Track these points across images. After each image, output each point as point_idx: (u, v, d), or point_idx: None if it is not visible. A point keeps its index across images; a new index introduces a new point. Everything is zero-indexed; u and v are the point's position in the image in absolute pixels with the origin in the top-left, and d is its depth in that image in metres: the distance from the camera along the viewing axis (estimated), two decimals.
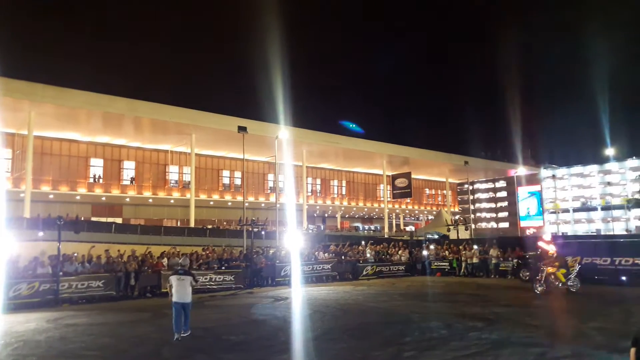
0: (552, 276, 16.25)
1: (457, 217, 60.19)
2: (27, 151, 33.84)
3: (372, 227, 66.00)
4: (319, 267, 23.20)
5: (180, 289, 9.77)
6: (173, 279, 9.95)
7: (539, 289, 16.26)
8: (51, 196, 38.07)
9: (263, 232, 31.61)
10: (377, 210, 63.52)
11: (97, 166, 41.61)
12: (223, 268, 20.19)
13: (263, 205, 49.95)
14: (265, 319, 12.36)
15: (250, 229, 23.59)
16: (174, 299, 9.75)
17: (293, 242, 22.17)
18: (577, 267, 17.15)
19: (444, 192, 70.09)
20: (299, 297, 16.84)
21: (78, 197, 40.13)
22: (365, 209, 63.35)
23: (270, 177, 51.96)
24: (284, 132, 35.33)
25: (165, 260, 19.06)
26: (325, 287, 20.50)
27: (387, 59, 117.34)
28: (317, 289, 19.31)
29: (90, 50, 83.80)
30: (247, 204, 45.21)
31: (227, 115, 39.17)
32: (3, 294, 13.73)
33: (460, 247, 26.35)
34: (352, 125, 46.14)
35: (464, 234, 42.14)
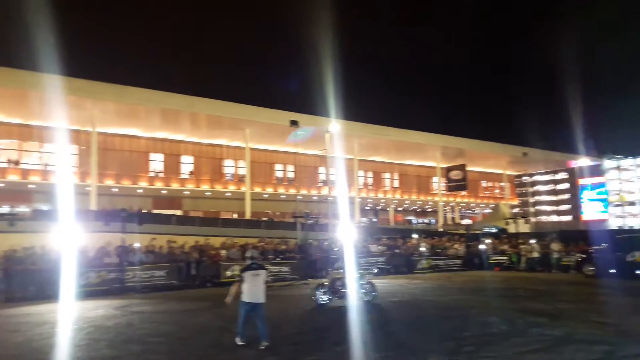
0: (339, 282, 13.10)
1: (516, 210, 58.34)
2: (91, 147, 35.67)
3: (426, 221, 65.06)
4: (373, 260, 23.15)
5: (253, 287, 8.38)
6: (247, 275, 8.44)
7: (322, 298, 12.90)
8: (115, 190, 39.80)
9: (316, 225, 31.87)
10: (431, 203, 62.49)
11: (157, 161, 43.16)
12: (278, 259, 20.53)
13: (315, 198, 50.26)
14: (321, 310, 12.47)
15: (304, 222, 23.81)
16: (246, 298, 8.34)
17: (346, 235, 22.21)
18: (374, 271, 14.73)
19: (502, 184, 68.03)
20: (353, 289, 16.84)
21: (140, 191, 41.74)
22: (419, 202, 62.46)
23: (322, 170, 52.15)
24: (334, 126, 35.41)
25: (224, 252, 19.60)
26: (380, 280, 20.41)
27: (441, 47, 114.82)
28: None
29: (147, 48, 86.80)
30: (299, 197, 45.71)
31: (279, 109, 39.66)
32: (75, 282, 14.57)
33: (520, 241, 25.60)
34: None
35: (524, 228, 40.91)
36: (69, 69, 27.64)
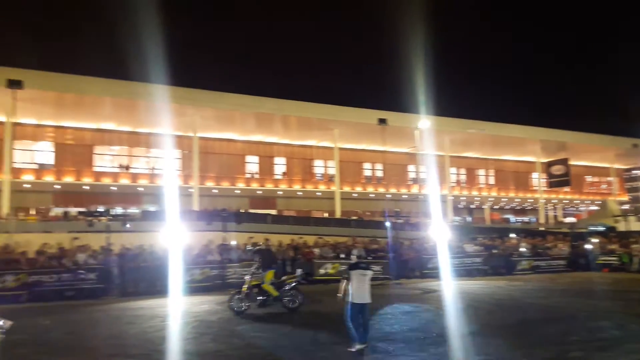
0: (256, 289, 12.23)
1: (625, 206, 53.79)
2: (193, 151, 38.02)
3: (526, 219, 61.75)
4: (469, 260, 22.45)
5: (361, 287, 8.21)
6: (354, 274, 8.27)
7: (239, 305, 11.87)
8: (215, 191, 41.96)
9: (407, 224, 31.47)
10: (530, 200, 59.22)
11: (252, 163, 45.08)
12: (370, 258, 20.54)
13: (405, 196, 49.59)
14: (416, 311, 12.35)
15: (394, 221, 23.61)
16: (355, 299, 8.15)
17: (439, 234, 21.75)
18: (298, 275, 12.99)
19: (609, 179, 62.90)
20: (449, 290, 16.49)
21: (237, 191, 43.71)
22: (517, 200, 59.40)
23: (412, 168, 51.30)
24: (424, 122, 34.69)
25: (317, 250, 20.03)
26: (476, 281, 19.79)
27: (541, 32, 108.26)
28: (467, 283, 18.72)
29: (240, 55, 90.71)
30: (389, 196, 45.39)
31: (366, 108, 39.67)
32: (181, 278, 15.59)
33: (631, 240, 23.61)
34: None
35: (635, 226, 37.61)
36: (172, 79, 29.56)
